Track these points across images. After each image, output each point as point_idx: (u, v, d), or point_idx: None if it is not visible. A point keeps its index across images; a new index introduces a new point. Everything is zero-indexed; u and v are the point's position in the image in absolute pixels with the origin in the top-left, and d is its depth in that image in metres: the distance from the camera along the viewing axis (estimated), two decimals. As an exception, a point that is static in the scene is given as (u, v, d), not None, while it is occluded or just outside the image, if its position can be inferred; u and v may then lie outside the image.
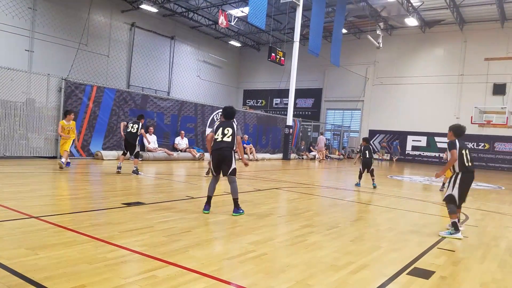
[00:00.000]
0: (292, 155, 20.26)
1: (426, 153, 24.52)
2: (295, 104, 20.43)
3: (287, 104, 20.04)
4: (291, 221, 5.09)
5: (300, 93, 27.39)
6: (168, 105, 14.73)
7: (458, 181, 4.75)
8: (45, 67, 16.41)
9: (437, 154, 24.20)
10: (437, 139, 24.16)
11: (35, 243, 3.36)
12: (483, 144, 22.77)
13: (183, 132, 14.93)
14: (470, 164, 4.77)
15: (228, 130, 5.08)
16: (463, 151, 4.78)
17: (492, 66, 22.39)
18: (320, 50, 19.78)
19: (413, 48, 25.16)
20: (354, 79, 26.92)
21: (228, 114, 5.26)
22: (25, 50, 18.12)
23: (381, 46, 23.19)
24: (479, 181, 14.15)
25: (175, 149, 14.55)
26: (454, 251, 4.14)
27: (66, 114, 9.37)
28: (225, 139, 5.01)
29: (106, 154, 12.07)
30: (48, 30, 18.69)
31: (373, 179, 9.57)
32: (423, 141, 24.66)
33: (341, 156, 25.37)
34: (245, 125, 18.63)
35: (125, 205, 5.30)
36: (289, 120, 19.19)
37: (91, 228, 4.01)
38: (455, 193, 4.75)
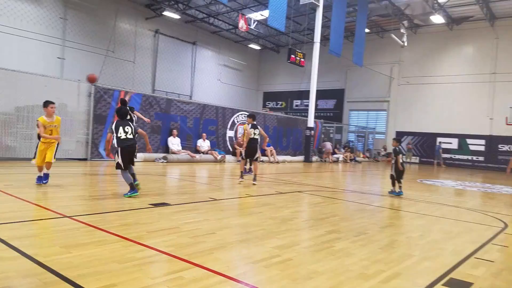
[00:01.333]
0: (314, 158, 20.01)
1: (457, 156, 23.63)
2: (316, 105, 20.19)
3: (307, 105, 19.84)
4: (316, 226, 4.95)
5: (321, 94, 27.06)
6: (190, 109, 14.89)
7: None
8: (75, 73, 17.05)
9: (469, 157, 23.28)
10: (469, 141, 23.24)
11: (68, 242, 3.47)
12: (519, 145, 21.74)
13: (205, 134, 15.07)
14: None
15: (128, 128, 6.06)
16: None
17: (526, 64, 21.45)
18: (342, 50, 19.50)
19: (440, 46, 24.43)
20: (378, 79, 26.39)
21: (123, 114, 6.14)
22: (57, 57, 18.93)
23: (405, 44, 22.63)
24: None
25: (197, 151, 14.67)
26: (493, 261, 3.89)
27: (45, 105, 6.48)
28: (129, 136, 6.03)
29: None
30: (78, 38, 19.43)
31: (400, 186, 8.53)
32: (454, 143, 23.78)
33: (366, 159, 24.87)
34: (265, 127, 18.55)
35: (152, 206, 5.38)
36: (310, 122, 18.99)
37: (121, 228, 4.09)
38: None
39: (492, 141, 22.14)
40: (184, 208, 5.45)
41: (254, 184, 8.41)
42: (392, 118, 26.37)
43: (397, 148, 8.32)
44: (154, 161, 12.83)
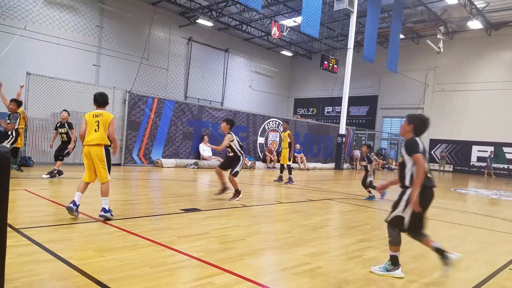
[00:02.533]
0: (345, 165, 19.75)
1: (494, 165, 22.55)
2: (348, 112, 19.96)
3: (339, 112, 19.66)
4: (346, 234, 4.95)
5: (353, 101, 26.70)
6: (222, 115, 15.16)
7: None
8: (110, 80, 17.76)
9: (506, 166, 22.19)
10: (505, 149, 22.18)
11: (101, 246, 3.60)
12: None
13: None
14: None
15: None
16: None
17: None
18: (376, 56, 19.22)
19: (477, 52, 23.50)
20: (412, 86, 25.73)
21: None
22: (93, 65, 19.74)
23: (441, 51, 21.97)
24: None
25: (227, 157, 14.87)
26: (530, 274, 3.75)
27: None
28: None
29: (166, 162, 12.71)
30: (113, 46, 20.21)
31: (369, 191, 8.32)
32: (488, 151, 22.78)
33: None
34: (296, 134, 18.55)
35: (183, 211, 5.52)
36: (342, 129, 18.78)
37: (152, 232, 4.21)
38: None
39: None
40: (215, 214, 5.57)
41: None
42: (426, 126, 25.57)
43: (368, 155, 8.06)
44: (185, 167, 13.16)
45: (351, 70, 18.41)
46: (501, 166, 22.28)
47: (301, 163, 17.06)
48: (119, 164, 11.98)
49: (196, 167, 13.20)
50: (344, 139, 18.91)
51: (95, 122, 4.53)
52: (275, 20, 20.08)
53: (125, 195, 6.94)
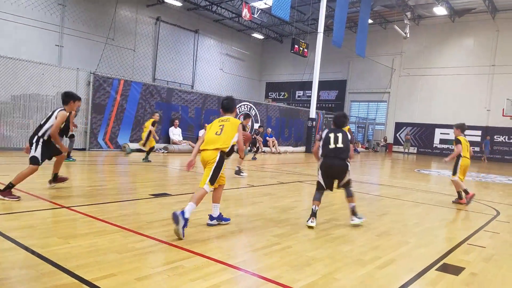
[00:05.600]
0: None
1: (454, 147, 23.70)
2: (318, 96, 20.20)
3: (310, 96, 19.82)
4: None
5: (324, 85, 27.02)
6: (192, 98, 14.90)
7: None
8: (74, 61, 16.91)
9: (467, 148, 23.39)
10: (466, 132, 23.31)
11: (67, 233, 3.48)
12: (516, 137, 21.80)
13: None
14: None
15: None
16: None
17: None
18: (345, 41, 19.39)
19: (441, 38, 24.27)
20: (380, 70, 26.32)
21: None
22: (55, 45, 18.71)
23: (408, 36, 22.49)
24: (510, 175, 13.60)
25: (199, 141, 14.72)
26: (485, 247, 4.00)
27: None
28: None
29: (133, 146, 12.35)
30: (77, 25, 19.22)
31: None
32: (451, 134, 23.78)
33: (364, 149, 24.94)
34: (268, 118, 18.60)
35: (152, 196, 5.41)
36: (312, 113, 19.00)
37: (120, 218, 4.12)
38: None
39: (488, 132, 22.17)
40: (185, 198, 5.48)
41: None
42: (392, 109, 26.39)
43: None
44: (154, 151, 12.85)
45: (321, 54, 18.51)
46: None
47: (273, 147, 17.17)
48: (83, 149, 11.53)
49: (166, 151, 12.96)
50: (314, 123, 19.15)
51: (220, 126, 4.00)
52: (246, 2, 19.73)
53: (91, 181, 6.73)
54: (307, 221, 4.35)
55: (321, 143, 4.61)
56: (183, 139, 14.06)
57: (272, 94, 32.70)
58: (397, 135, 25.72)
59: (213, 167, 3.89)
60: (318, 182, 4.60)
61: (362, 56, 21.46)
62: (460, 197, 6.62)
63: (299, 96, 31.21)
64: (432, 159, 20.80)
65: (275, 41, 31.36)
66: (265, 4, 22.54)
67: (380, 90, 26.63)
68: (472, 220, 5.36)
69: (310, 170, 10.92)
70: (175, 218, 3.43)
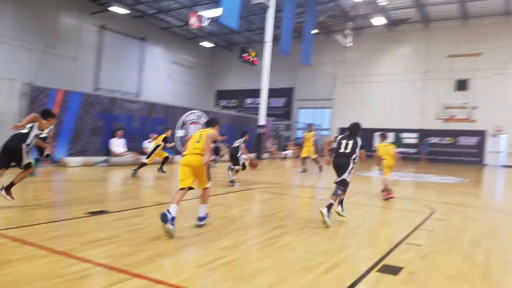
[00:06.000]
0: (265, 155, 20.28)
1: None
2: (268, 103, 20.44)
3: (259, 104, 20.01)
4: (263, 223, 5.04)
5: (273, 93, 27.37)
6: (137, 108, 14.35)
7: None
8: (10, 71, 15.56)
9: (403, 150, 24.88)
10: (403, 135, 24.90)
11: None
12: (447, 138, 23.67)
13: (152, 135, 14.56)
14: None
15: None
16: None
17: (455, 63, 23.25)
18: (292, 50, 19.88)
19: (380, 47, 25.80)
20: (324, 78, 27.32)
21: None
22: (-14, 54, 17.17)
23: (349, 45, 23.61)
24: (443, 174, 14.68)
25: (144, 153, 14.15)
26: (421, 245, 4.21)
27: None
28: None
29: (71, 160, 11.52)
30: (13, 33, 17.81)
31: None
32: (390, 137, 25.33)
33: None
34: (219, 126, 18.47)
35: (88, 214, 5.02)
36: (262, 120, 19.19)
37: (52, 240, 3.78)
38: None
39: (423, 134, 23.88)
40: (126, 215, 5.21)
41: None
42: (336, 115, 27.48)
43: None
44: (93, 165, 12.12)
45: (270, 63, 18.82)
46: (399, 150, 24.94)
47: (224, 155, 17.04)
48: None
49: (107, 164, 12.23)
50: (264, 130, 19.34)
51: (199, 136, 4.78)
52: (193, 10, 19.54)
53: (22, 200, 6.14)
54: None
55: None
56: (128, 150, 13.45)
57: (222, 101, 32.64)
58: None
59: (205, 170, 4.64)
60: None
61: (307, 64, 22.13)
62: (388, 192, 7.40)
63: (249, 104, 31.44)
64: (371, 162, 21.87)
65: (224, 50, 31.40)
66: (214, 13, 22.51)
67: (325, 97, 27.65)
68: (409, 219, 5.66)
69: (259, 176, 10.97)
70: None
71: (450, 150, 23.48)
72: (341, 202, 5.30)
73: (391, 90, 25.20)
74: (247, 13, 21.62)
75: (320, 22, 24.61)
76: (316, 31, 24.61)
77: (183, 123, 16.36)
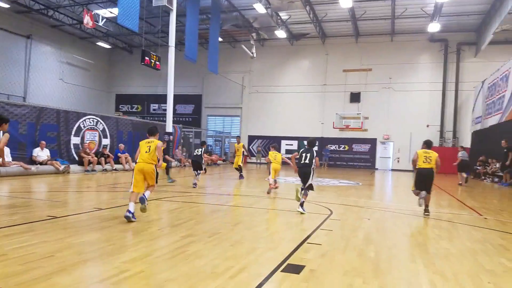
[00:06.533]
0: (174, 163, 19.84)
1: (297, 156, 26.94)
2: (174, 110, 20.12)
3: (165, 110, 19.57)
4: (171, 233, 4.98)
5: (180, 99, 27.13)
6: (23, 112, 12.81)
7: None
8: None
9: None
10: (305, 143, 26.81)
11: None
12: (343, 146, 26.33)
13: (43, 142, 13.15)
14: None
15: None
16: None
17: (349, 77, 26.10)
18: (198, 56, 19.92)
19: (283, 59, 27.53)
20: (232, 87, 28.04)
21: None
22: None
23: (254, 56, 24.64)
24: (340, 178, 16.23)
25: (33, 162, 12.71)
26: (321, 244, 4.64)
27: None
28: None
29: None
30: None
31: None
32: (294, 145, 27.09)
33: (222, 162, 25.96)
34: (119, 133, 17.49)
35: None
36: (169, 127, 18.78)
37: None
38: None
39: (323, 141, 26.12)
40: (14, 231, 4.68)
41: None
42: (245, 123, 28.43)
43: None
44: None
45: (175, 68, 18.54)
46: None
47: (126, 163, 16.20)
48: None
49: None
50: (171, 137, 18.92)
51: (147, 147, 5.89)
52: (87, 9, 18.27)
53: None
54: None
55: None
56: (13, 160, 11.91)
57: (123, 107, 31.01)
58: (250, 147, 27.70)
59: (155, 177, 5.93)
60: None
61: (214, 72, 22.41)
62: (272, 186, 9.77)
63: (154, 110, 30.50)
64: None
65: (124, 51, 29.98)
66: (111, 12, 21.37)
67: (233, 105, 28.39)
68: (311, 220, 6.17)
69: (167, 186, 10.73)
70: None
71: (346, 156, 26.20)
72: (301, 204, 6.77)
73: (294, 100, 27.08)
74: (148, 15, 21.06)
75: (225, 30, 25.23)
76: (221, 39, 25.13)
77: (79, 129, 15.09)
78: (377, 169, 25.46)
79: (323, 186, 12.72)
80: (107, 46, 28.71)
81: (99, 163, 14.73)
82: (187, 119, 29.35)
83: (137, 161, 5.91)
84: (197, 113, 29.61)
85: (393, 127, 25.20)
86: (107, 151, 15.74)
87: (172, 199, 8.13)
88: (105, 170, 14.77)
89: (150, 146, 5.87)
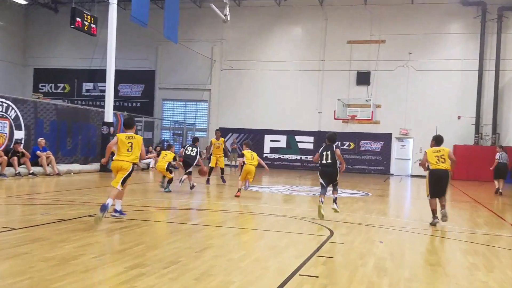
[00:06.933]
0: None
1: (286, 156, 27.09)
2: (116, 91, 19.85)
3: (104, 91, 19.29)
4: (113, 262, 4.92)
5: (125, 77, 26.83)
6: None
7: None
8: None
9: (298, 157, 26.93)
10: (298, 138, 26.94)
11: None
12: (347, 143, 26.58)
13: None
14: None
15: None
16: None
17: (355, 51, 26.36)
18: (150, 18, 19.68)
19: (266, 24, 27.57)
20: (197, 61, 27.85)
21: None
22: None
23: (228, 19, 24.52)
24: (344, 187, 16.42)
25: None
26: (317, 276, 4.67)
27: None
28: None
29: None
30: None
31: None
32: (282, 141, 27.19)
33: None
34: (38, 122, 17.12)
35: None
36: (109, 115, 18.53)
37: None
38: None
39: (320, 137, 26.29)
40: None
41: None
42: (214, 111, 28.28)
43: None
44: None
45: (118, 34, 18.28)
46: (294, 157, 26.99)
47: (48, 165, 15.91)
48: None
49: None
50: (112, 129, 18.70)
51: (129, 144, 7.14)
52: None
53: None
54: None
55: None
56: None
57: (44, 86, 30.44)
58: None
59: (126, 174, 7.08)
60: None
61: (173, 41, 22.19)
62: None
63: (87, 91, 30.10)
64: (261, 172, 23.14)
65: (47, 10, 29.35)
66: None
67: (199, 86, 28.19)
68: (304, 244, 6.22)
69: (106, 197, 10.59)
70: (102, 208, 6.67)
71: (351, 158, 26.49)
72: (335, 200, 8.52)
73: (281, 81, 27.16)
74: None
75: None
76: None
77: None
78: (392, 174, 25.92)
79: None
80: (23, 2, 27.99)
81: (9, 164, 14.39)
82: (134, 104, 29.03)
83: (113, 158, 7.14)
84: (149, 96, 29.29)
85: (414, 118, 25.65)
86: (21, 148, 15.37)
87: (115, 215, 8.02)
88: (19, 174, 14.47)
89: (132, 144, 7.08)
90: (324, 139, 9.09)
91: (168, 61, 28.73)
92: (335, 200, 8.53)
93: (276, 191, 13.97)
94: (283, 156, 27.35)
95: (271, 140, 27.26)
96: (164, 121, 29.00)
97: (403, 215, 10.88)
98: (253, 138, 27.17)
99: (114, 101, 19.13)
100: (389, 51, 25.88)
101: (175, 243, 6.11)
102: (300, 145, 26.93)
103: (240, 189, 11.49)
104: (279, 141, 27.13)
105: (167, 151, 12.54)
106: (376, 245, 6.44)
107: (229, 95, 27.94)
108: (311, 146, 26.61)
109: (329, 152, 8.49)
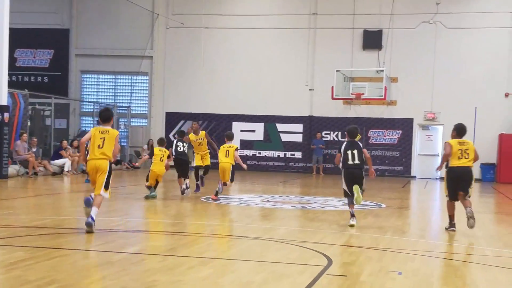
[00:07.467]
0: (12, 169, 19.41)
1: (264, 153, 26.93)
2: (12, 60, 19.54)
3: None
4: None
5: (24, 39, 26.39)
6: None
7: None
8: None
9: (282, 154, 26.85)
10: (281, 127, 26.82)
11: None
12: (352, 133, 26.64)
13: None
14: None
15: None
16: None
17: (361, 1, 26.36)
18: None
19: (235, -39, 27.51)
20: (133, 16, 27.63)
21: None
22: None
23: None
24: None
25: None
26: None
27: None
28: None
29: None
30: None
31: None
32: (258, 131, 27.04)
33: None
34: None
35: None
36: (1, 96, 18.29)
37: None
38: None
39: (312, 126, 26.34)
40: None
41: None
42: (159, 90, 28.04)
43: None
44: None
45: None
46: (275, 154, 26.85)
47: None
48: None
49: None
50: (7, 115, 18.48)
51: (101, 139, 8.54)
52: None
53: None
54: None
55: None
56: None
57: None
58: (170, 135, 27.50)
59: (106, 176, 8.43)
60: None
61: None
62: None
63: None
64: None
65: None
66: None
67: (136, 52, 27.95)
68: (291, 279, 6.25)
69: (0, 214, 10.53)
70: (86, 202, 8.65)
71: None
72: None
73: (257, 44, 27.18)
74: None
75: None
76: None
77: None
78: (414, 177, 26.16)
79: (314, 211, 12.93)
80: None
81: None
82: (39, 78, 28.65)
83: (87, 158, 8.69)
84: (60, 66, 28.91)
85: (444, 97, 25.90)
86: None
87: (11, 242, 7.96)
88: None
89: (104, 139, 8.44)
90: (354, 133, 10.61)
91: (89, 15, 28.46)
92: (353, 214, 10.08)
93: (250, 203, 13.99)
94: (259, 153, 27.23)
95: (241, 130, 27.03)
96: (85, 103, 28.70)
97: (429, 235, 11.03)
98: (216, 127, 27.05)
99: (9, 75, 18.87)
100: (409, 1, 26.07)
101: (104, 280, 6.08)
102: (284, 137, 26.89)
103: (217, 190, 13.42)
104: (253, 131, 27.02)
105: (160, 147, 13.69)
106: (393, 278, 6.52)
107: (180, 66, 27.76)
108: (299, 138, 26.67)
109: (355, 151, 9.79)
